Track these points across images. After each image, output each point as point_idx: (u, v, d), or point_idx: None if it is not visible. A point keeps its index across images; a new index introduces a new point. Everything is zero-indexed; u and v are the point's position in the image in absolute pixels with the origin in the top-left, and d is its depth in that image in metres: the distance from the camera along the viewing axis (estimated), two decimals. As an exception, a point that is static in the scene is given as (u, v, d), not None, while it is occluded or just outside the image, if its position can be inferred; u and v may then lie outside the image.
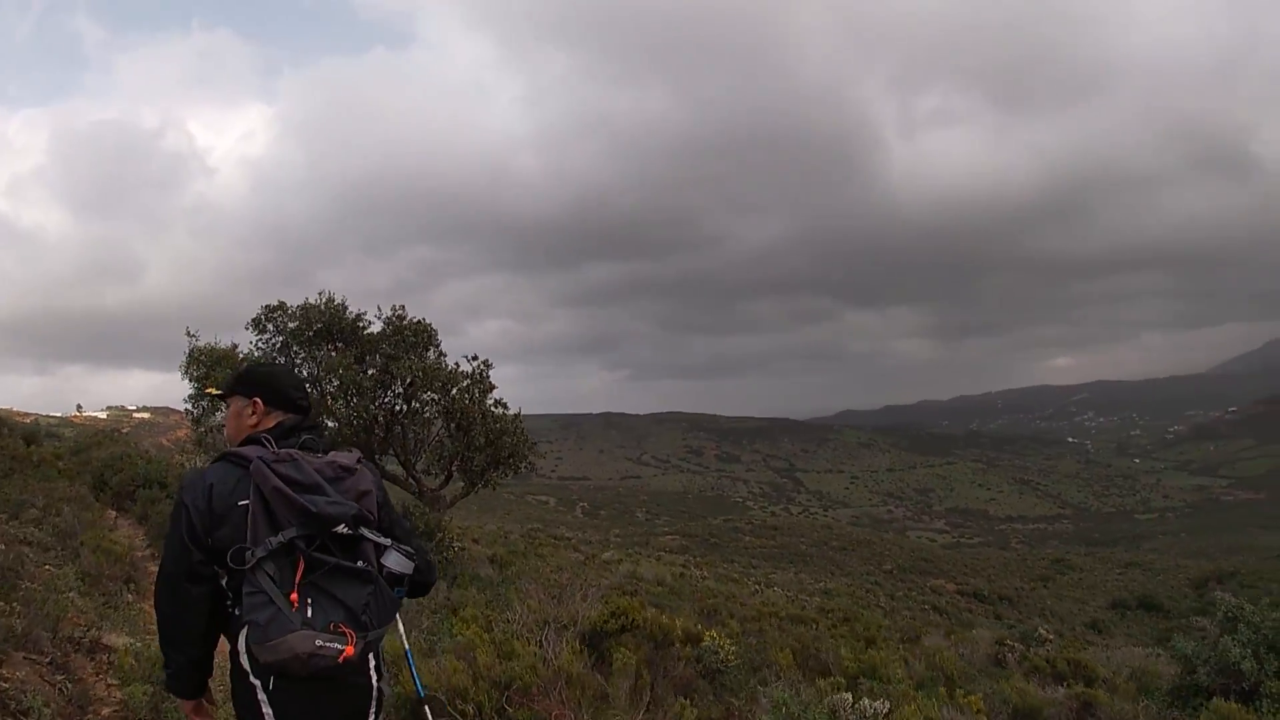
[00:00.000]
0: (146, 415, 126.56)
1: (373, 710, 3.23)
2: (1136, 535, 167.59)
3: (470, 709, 6.36)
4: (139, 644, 7.14)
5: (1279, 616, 10.60)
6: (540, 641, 7.89)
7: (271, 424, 3.40)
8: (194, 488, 3.13)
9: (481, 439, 16.21)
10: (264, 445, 3.23)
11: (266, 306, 16.53)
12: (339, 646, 2.89)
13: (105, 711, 6.13)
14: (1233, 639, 10.56)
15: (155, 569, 11.21)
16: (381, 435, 16.43)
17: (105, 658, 7.01)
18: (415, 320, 16.70)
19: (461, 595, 11.21)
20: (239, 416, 3.47)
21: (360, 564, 3.08)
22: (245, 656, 3.02)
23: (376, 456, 16.55)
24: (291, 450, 3.22)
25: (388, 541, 3.23)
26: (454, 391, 16.34)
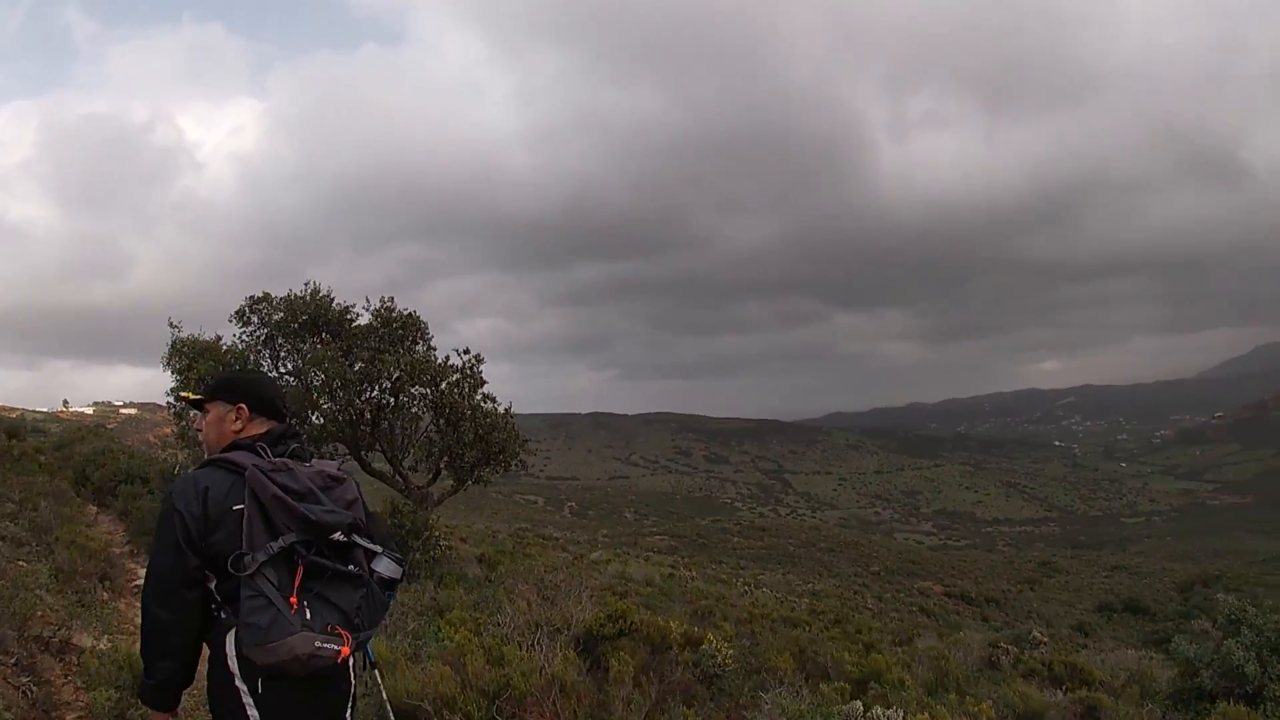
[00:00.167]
0: (133, 411, 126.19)
1: (349, 709, 3.35)
2: (1123, 539, 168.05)
3: (459, 719, 6.09)
4: (107, 645, 6.92)
5: (1282, 619, 10.46)
6: (532, 646, 7.48)
7: (256, 431, 3.45)
8: (187, 493, 3.16)
9: (471, 434, 15.80)
10: (259, 454, 3.30)
11: (251, 298, 16.02)
12: (335, 647, 3.02)
13: (70, 717, 5.88)
14: (1236, 641, 10.41)
15: (134, 566, 10.91)
16: (368, 431, 15.96)
17: (75, 659, 6.73)
18: (405, 313, 16.20)
19: (449, 596, 10.75)
20: (221, 423, 3.49)
21: (352, 569, 3.22)
22: (234, 660, 3.09)
23: (363, 452, 16.19)
24: (285, 460, 3.32)
25: (378, 548, 3.38)
26: (443, 386, 15.90)
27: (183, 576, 3.09)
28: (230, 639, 3.09)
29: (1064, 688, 12.54)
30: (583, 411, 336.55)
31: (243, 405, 3.46)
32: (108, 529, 13.36)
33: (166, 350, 15.17)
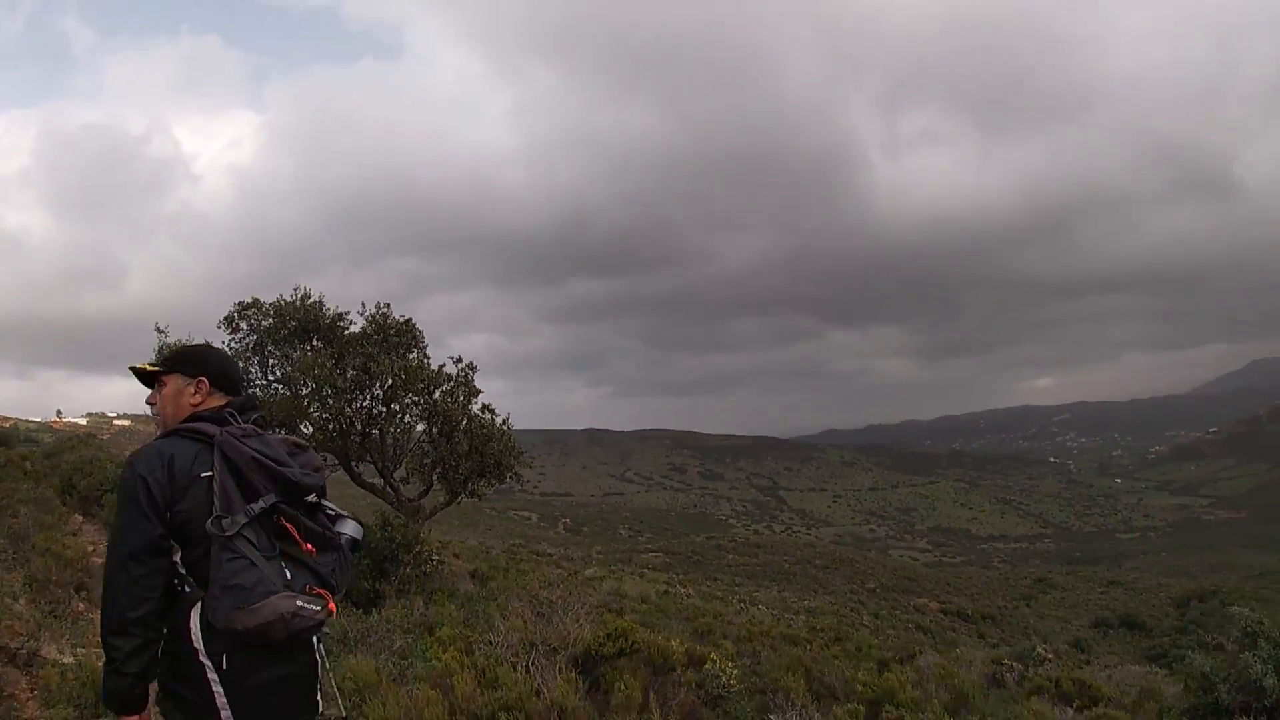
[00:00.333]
0: (127, 422, 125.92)
1: (319, 689, 3.30)
2: (1118, 554, 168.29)
3: (446, 749, 5.64)
4: (74, 659, 6.68)
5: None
6: (528, 667, 7.11)
7: (214, 405, 3.40)
8: (150, 461, 3.12)
9: (465, 445, 15.40)
10: (228, 420, 3.30)
11: (240, 304, 15.63)
12: (316, 607, 3.05)
13: (31, 734, 5.53)
14: (1253, 655, 10.14)
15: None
16: (358, 441, 15.50)
17: (43, 672, 6.41)
18: (400, 319, 15.77)
19: (439, 613, 10.33)
20: (179, 396, 3.42)
21: (325, 532, 3.28)
22: (198, 634, 3.03)
23: (353, 463, 15.74)
24: (254, 426, 3.35)
25: (342, 510, 3.45)
26: (436, 394, 15.50)
27: (149, 544, 3.02)
28: (195, 613, 3.04)
29: (1074, 705, 12.24)
30: (578, 428, 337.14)
31: (204, 379, 3.41)
32: (91, 538, 13.08)
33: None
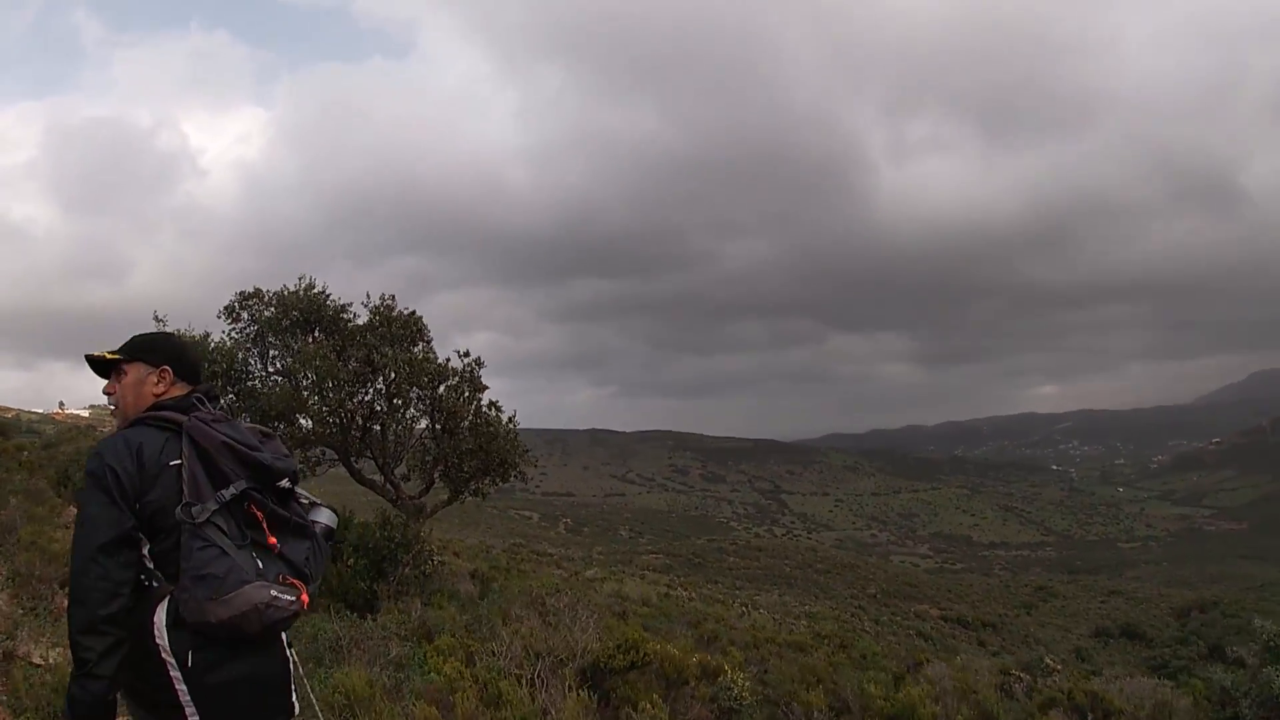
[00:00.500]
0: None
1: (293, 689, 3.21)
2: (1119, 563, 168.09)
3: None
4: (53, 659, 6.30)
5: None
6: (534, 681, 6.65)
7: (176, 394, 3.30)
8: (117, 450, 3.00)
9: (470, 443, 15.02)
10: (197, 406, 3.20)
11: (241, 293, 15.21)
12: (291, 597, 2.95)
13: (-3, 741, 5.22)
14: (1276, 670, 10.12)
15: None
16: (359, 436, 15.12)
17: (19, 672, 6.04)
18: (405, 312, 15.34)
19: (438, 616, 9.83)
20: (141, 385, 3.30)
21: (297, 520, 3.18)
22: (162, 632, 2.91)
23: (352, 459, 15.36)
24: (223, 412, 3.26)
25: (316, 499, 3.35)
26: (441, 389, 15.08)
27: (120, 536, 2.90)
28: (161, 609, 2.93)
29: (1088, 719, 12.13)
30: (580, 428, 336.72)
31: (167, 368, 3.30)
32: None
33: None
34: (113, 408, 3.37)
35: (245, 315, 15.03)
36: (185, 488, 2.95)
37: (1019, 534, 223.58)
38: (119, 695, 2.99)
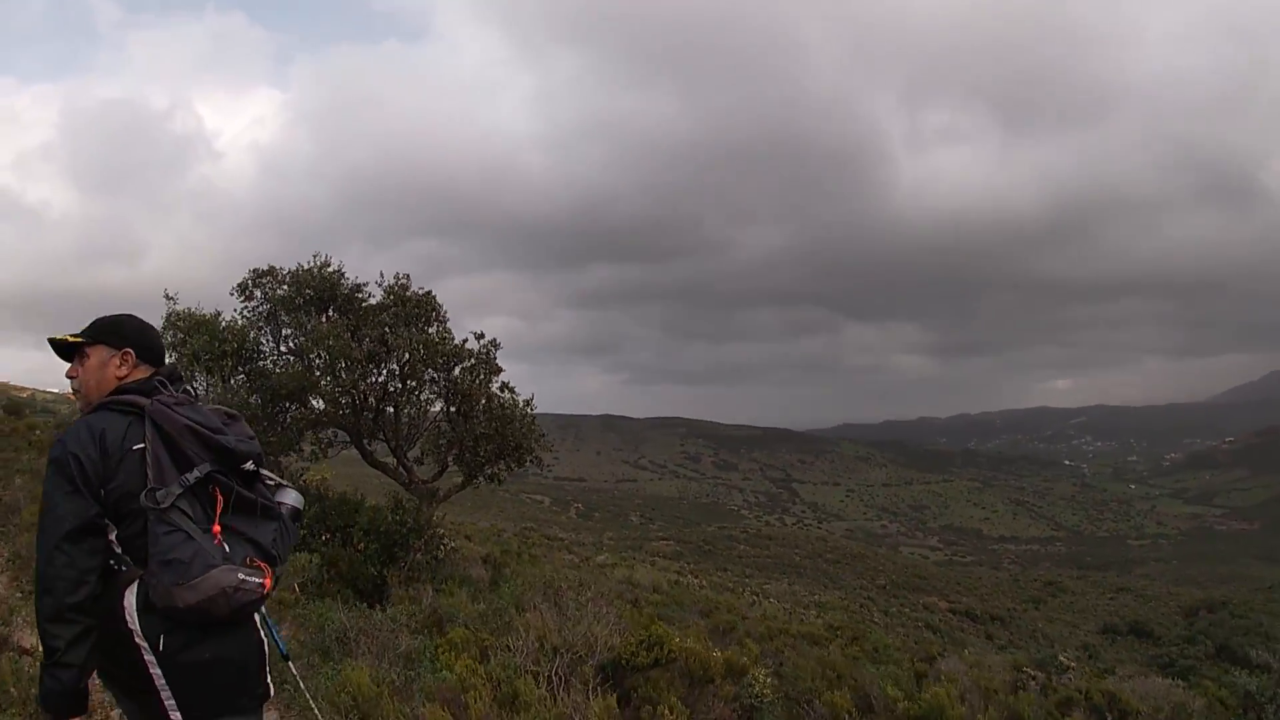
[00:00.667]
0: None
1: (266, 669, 3.18)
2: (1129, 561, 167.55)
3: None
4: (35, 647, 5.88)
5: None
6: (551, 679, 6.29)
7: (139, 377, 3.26)
8: (80, 437, 2.98)
9: (485, 426, 14.69)
10: (159, 389, 3.17)
11: (255, 271, 14.91)
12: (258, 580, 2.94)
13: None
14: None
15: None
16: (371, 417, 14.85)
17: (7, 664, 5.69)
18: (420, 292, 14.99)
19: (450, 604, 9.47)
20: (103, 369, 3.26)
21: (263, 501, 3.15)
22: (133, 615, 2.91)
23: (365, 441, 15.10)
24: (186, 394, 3.25)
25: (282, 480, 3.35)
26: (456, 371, 14.78)
27: (85, 524, 2.88)
28: (131, 593, 2.92)
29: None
30: (593, 414, 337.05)
31: (130, 351, 3.27)
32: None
33: (161, 323, 14.03)
34: (76, 391, 3.33)
35: (258, 293, 14.72)
36: (149, 472, 2.93)
37: (1029, 528, 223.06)
38: (102, 684, 3.10)
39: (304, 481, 13.95)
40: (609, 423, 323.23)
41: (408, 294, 14.74)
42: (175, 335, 13.83)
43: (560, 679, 6.32)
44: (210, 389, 13.55)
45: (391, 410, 14.99)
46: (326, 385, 13.82)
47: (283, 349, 14.86)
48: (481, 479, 15.46)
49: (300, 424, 14.04)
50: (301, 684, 4.10)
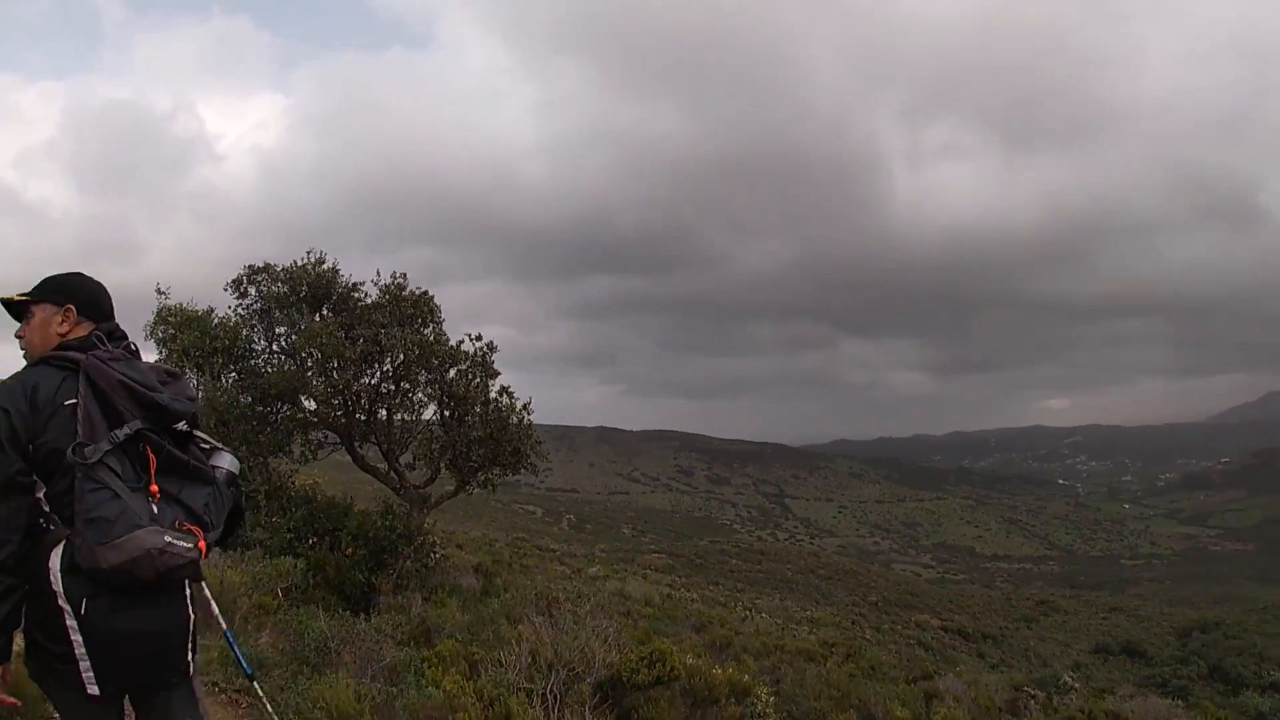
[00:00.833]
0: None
1: (189, 644, 3.12)
2: (1122, 580, 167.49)
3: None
4: None
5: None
6: (545, 695, 5.86)
7: (81, 334, 3.22)
8: (11, 392, 2.96)
9: (480, 430, 14.26)
10: (97, 344, 3.13)
11: (250, 267, 14.50)
12: (187, 544, 2.85)
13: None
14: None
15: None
16: (363, 420, 14.43)
17: None
18: (417, 292, 14.58)
19: (439, 615, 9.10)
20: (47, 325, 3.25)
21: (196, 464, 3.09)
22: (58, 577, 2.84)
23: (356, 444, 14.68)
24: (124, 350, 3.20)
25: (217, 443, 3.27)
26: (452, 373, 14.40)
27: (8, 481, 2.83)
28: (57, 554, 2.86)
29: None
30: (588, 425, 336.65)
31: (71, 307, 3.24)
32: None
33: (151, 317, 13.79)
34: (24, 351, 3.29)
35: (253, 290, 14.36)
36: (80, 427, 2.88)
37: (1022, 547, 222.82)
38: (24, 659, 3.00)
39: (292, 483, 13.67)
40: (603, 434, 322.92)
41: (404, 293, 14.34)
42: (166, 330, 13.51)
43: (555, 697, 5.92)
44: (200, 386, 13.30)
45: (384, 412, 14.63)
46: (318, 385, 13.46)
47: (275, 347, 14.48)
48: (475, 485, 15.00)
49: (290, 424, 13.75)
50: (269, 706, 3.89)
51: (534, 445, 15.11)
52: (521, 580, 21.16)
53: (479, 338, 14.90)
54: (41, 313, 3.24)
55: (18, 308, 3.30)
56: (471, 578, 17.56)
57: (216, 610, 3.90)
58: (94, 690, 2.87)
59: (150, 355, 13.63)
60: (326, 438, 14.77)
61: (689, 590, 41.61)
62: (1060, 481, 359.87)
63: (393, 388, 14.32)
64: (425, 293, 14.72)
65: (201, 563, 3.27)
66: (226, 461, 3.26)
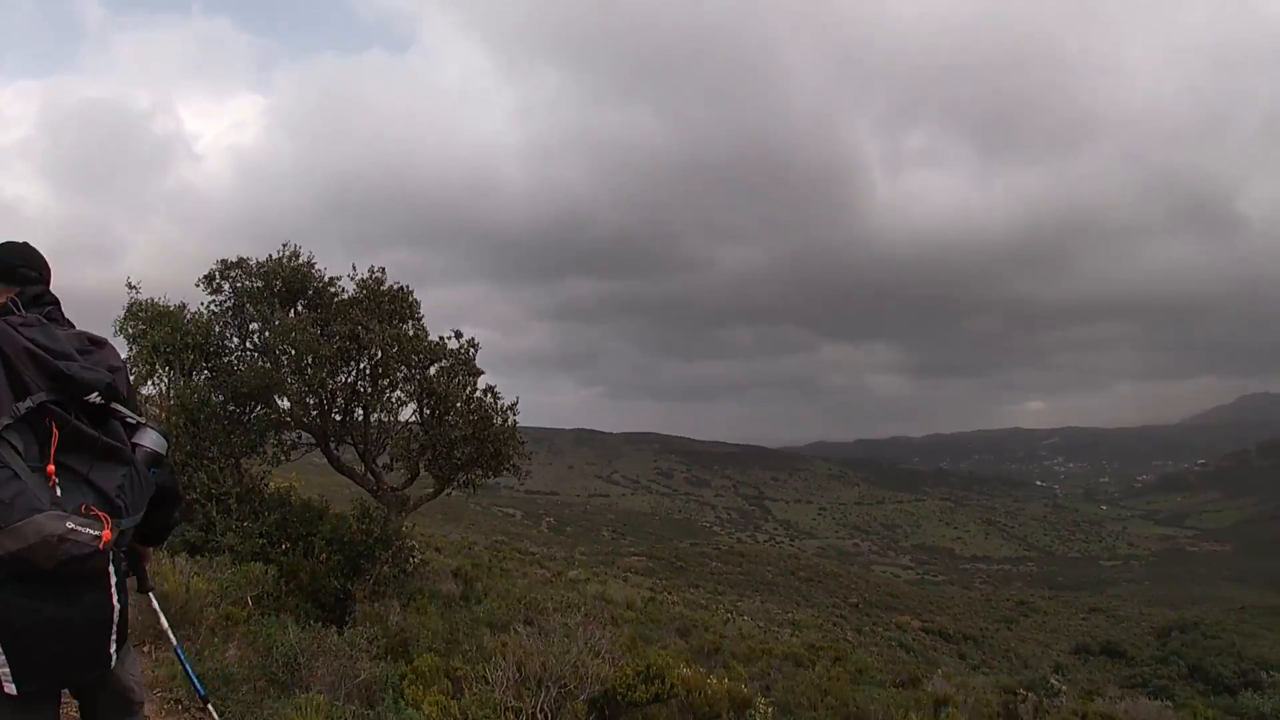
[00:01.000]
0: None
1: (113, 639, 2.80)
2: (1100, 581, 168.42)
3: None
4: None
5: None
6: (535, 715, 5.42)
7: (2, 300, 3.02)
8: None
9: (462, 430, 13.72)
10: (12, 309, 2.92)
11: (223, 262, 13.89)
12: (93, 531, 2.58)
13: None
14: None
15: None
16: (339, 420, 13.95)
17: None
18: (395, 286, 14.13)
19: (418, 624, 8.56)
20: None
21: (113, 442, 2.78)
22: None
23: (332, 444, 14.19)
24: (40, 315, 2.94)
25: (141, 419, 2.98)
26: (432, 370, 13.88)
27: None
28: None
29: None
30: (567, 427, 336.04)
31: None
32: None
33: (121, 313, 13.12)
34: None
35: (226, 286, 13.80)
36: None
37: (1001, 548, 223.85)
38: None
39: (265, 486, 13.20)
40: (582, 437, 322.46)
41: (382, 289, 13.86)
42: (136, 326, 12.96)
43: (546, 716, 5.43)
44: (171, 384, 12.83)
45: (360, 412, 14.15)
46: (293, 384, 12.96)
47: (248, 345, 13.92)
48: (456, 485, 14.51)
49: (264, 424, 13.26)
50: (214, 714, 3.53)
51: (518, 447, 14.63)
52: (502, 585, 20.76)
53: (460, 334, 14.43)
54: None
55: None
56: (451, 583, 17.15)
57: (166, 624, 3.60)
58: (11, 689, 2.59)
59: (121, 352, 13.22)
60: (301, 438, 14.25)
61: (670, 593, 41.33)
62: (1038, 483, 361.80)
63: (370, 386, 13.83)
64: (404, 288, 14.24)
65: (148, 568, 3.20)
66: (150, 440, 2.93)
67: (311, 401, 13.27)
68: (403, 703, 5.71)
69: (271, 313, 13.28)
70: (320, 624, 7.65)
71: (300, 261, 13.85)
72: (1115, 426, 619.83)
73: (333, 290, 14.06)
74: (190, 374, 12.95)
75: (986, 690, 17.78)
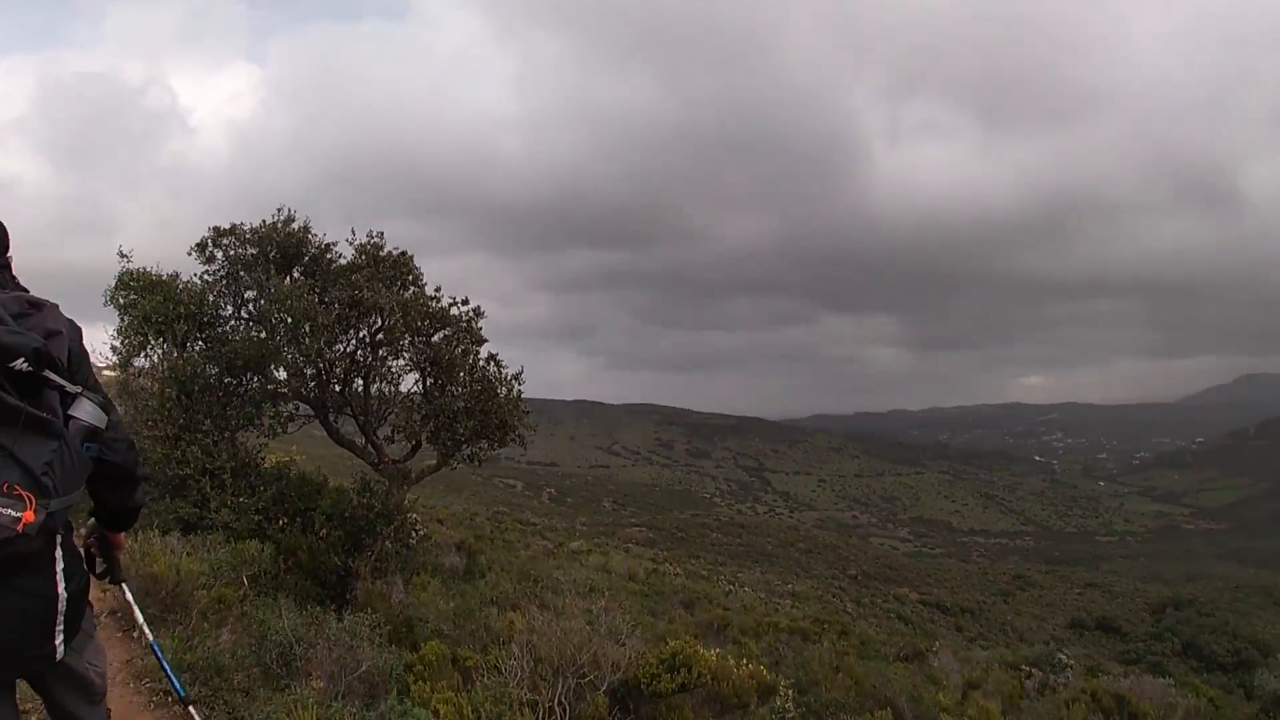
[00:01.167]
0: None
1: (59, 626, 2.63)
2: (1096, 556, 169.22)
3: None
4: None
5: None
6: (554, 708, 4.93)
7: None
8: None
9: (466, 400, 13.21)
10: None
11: (215, 229, 13.29)
12: (14, 514, 2.36)
13: None
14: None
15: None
16: (338, 390, 13.43)
17: None
18: (396, 251, 13.59)
19: (422, 602, 8.16)
20: None
21: (42, 414, 2.52)
22: None
23: (331, 416, 13.67)
24: None
25: (77, 388, 2.67)
26: (437, 337, 13.37)
27: None
28: None
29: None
30: (567, 399, 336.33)
31: None
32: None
33: (112, 282, 12.59)
34: None
35: (219, 254, 13.22)
36: None
37: (998, 522, 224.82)
38: None
39: (261, 460, 12.84)
40: (583, 408, 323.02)
41: (382, 254, 13.33)
42: (127, 296, 12.55)
43: (565, 709, 4.96)
44: (165, 355, 12.45)
45: (360, 382, 13.72)
46: (289, 353, 12.54)
47: (243, 314, 13.37)
48: (460, 458, 13.96)
49: (260, 396, 12.88)
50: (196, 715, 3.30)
51: (522, 417, 14.10)
52: (505, 557, 20.54)
53: (465, 301, 13.85)
54: None
55: None
56: (454, 556, 16.95)
57: (141, 618, 3.39)
58: None
59: (111, 321, 12.90)
60: (298, 409, 13.85)
61: (672, 564, 41.27)
62: (1036, 458, 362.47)
63: (370, 355, 13.39)
64: (405, 253, 13.73)
65: (121, 559, 2.98)
66: (85, 411, 2.65)
67: (309, 372, 12.79)
68: (410, 700, 5.18)
69: (267, 279, 12.81)
70: (320, 604, 7.34)
71: (296, 227, 13.33)
72: (1114, 403, 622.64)
73: (330, 256, 13.53)
74: (184, 345, 12.56)
75: (984, 664, 17.69)
